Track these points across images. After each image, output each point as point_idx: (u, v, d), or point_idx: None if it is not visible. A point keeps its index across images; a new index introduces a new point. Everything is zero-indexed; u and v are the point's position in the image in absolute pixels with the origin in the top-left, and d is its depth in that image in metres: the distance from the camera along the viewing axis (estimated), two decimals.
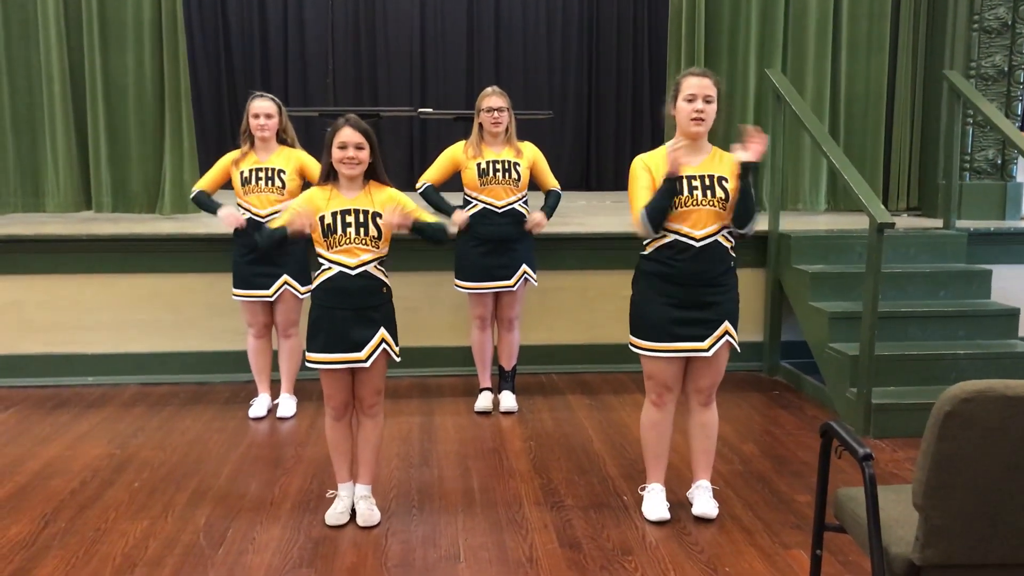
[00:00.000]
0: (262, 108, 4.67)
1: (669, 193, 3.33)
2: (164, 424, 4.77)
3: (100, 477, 4.01)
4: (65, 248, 5.49)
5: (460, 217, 4.69)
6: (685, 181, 3.37)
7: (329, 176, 3.42)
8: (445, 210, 4.70)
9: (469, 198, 4.77)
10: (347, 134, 3.34)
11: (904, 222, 6.23)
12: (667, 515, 3.55)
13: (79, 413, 4.96)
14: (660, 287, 3.45)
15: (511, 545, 3.34)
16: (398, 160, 9.32)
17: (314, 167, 4.67)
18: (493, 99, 4.71)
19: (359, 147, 3.34)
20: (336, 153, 3.34)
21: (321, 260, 3.41)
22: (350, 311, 3.38)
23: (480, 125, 4.74)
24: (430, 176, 4.82)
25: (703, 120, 3.36)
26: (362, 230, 3.35)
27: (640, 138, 9.48)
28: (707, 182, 3.37)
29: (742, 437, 4.56)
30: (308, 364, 3.48)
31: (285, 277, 4.71)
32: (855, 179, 4.78)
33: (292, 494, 3.81)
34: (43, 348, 5.50)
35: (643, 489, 3.69)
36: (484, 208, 4.73)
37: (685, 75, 3.42)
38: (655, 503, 3.58)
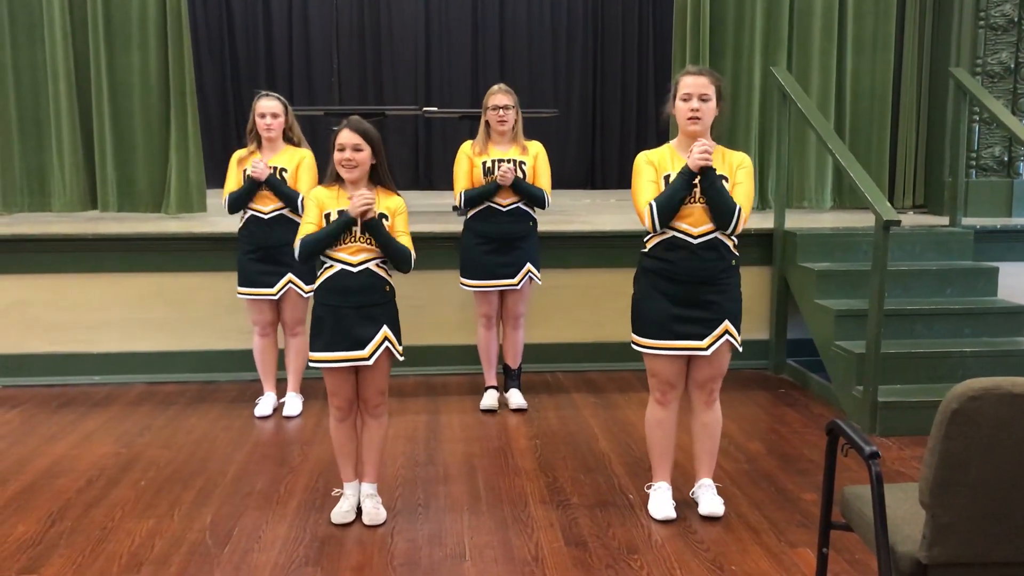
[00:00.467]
0: (268, 107, 4.67)
1: (685, 187, 3.32)
2: (170, 423, 4.78)
3: (106, 476, 4.02)
4: (71, 247, 5.50)
5: (507, 174, 4.60)
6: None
7: (332, 177, 3.42)
8: (492, 190, 4.66)
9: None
10: (345, 136, 3.34)
11: (910, 220, 6.22)
12: (673, 514, 3.54)
13: (85, 412, 4.97)
14: (659, 285, 3.45)
15: (517, 544, 3.34)
16: (403, 159, 9.34)
17: (308, 168, 4.67)
18: (499, 97, 4.70)
19: (356, 148, 3.33)
20: (336, 155, 3.36)
21: (324, 258, 3.40)
22: (352, 309, 3.37)
23: (487, 123, 4.73)
24: (461, 185, 4.75)
25: (699, 119, 3.35)
26: (359, 215, 3.32)
27: (645, 136, 9.48)
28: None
29: (748, 435, 4.55)
30: (311, 364, 3.48)
31: (289, 276, 4.71)
32: (861, 177, 4.77)
33: (298, 492, 3.82)
34: (49, 347, 5.52)
35: (649, 487, 3.69)
36: (488, 206, 4.72)
37: (683, 74, 3.42)
38: (661, 501, 3.58)
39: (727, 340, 3.47)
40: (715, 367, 3.51)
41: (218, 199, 4.87)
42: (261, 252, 4.68)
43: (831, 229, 5.73)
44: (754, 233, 5.71)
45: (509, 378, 5.05)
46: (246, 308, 4.89)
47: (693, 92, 3.34)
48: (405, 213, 3.46)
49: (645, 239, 3.50)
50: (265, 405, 4.90)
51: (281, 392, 4.99)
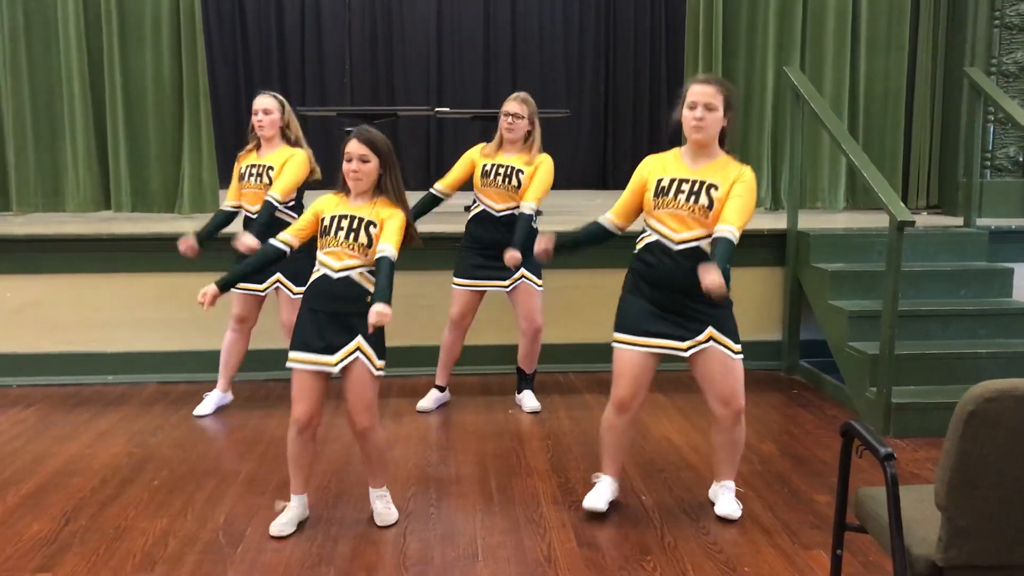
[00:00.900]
0: (260, 104, 4.67)
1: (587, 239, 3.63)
2: (183, 422, 4.79)
3: (120, 475, 4.04)
4: (85, 248, 5.53)
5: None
6: (673, 182, 3.36)
7: (344, 186, 3.38)
8: (420, 211, 4.70)
9: (476, 197, 4.78)
10: (352, 146, 3.30)
11: (924, 220, 6.18)
12: (602, 507, 3.53)
13: (99, 411, 4.99)
14: (642, 287, 3.44)
15: (529, 544, 3.34)
16: (414, 159, 9.34)
17: (294, 164, 4.61)
18: (511, 104, 4.70)
19: (363, 160, 3.29)
20: (344, 165, 3.32)
21: (316, 262, 3.38)
22: (327, 314, 3.32)
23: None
24: (443, 179, 4.81)
25: (702, 128, 3.31)
26: (352, 235, 3.28)
27: (657, 137, 9.45)
28: (695, 187, 3.33)
29: (761, 437, 4.53)
30: (286, 364, 3.39)
31: (278, 276, 4.70)
32: (875, 177, 4.74)
33: (310, 492, 3.79)
34: (63, 347, 5.54)
35: (596, 477, 3.69)
36: (484, 210, 4.73)
37: (692, 81, 3.41)
38: (596, 493, 3.58)
39: (714, 347, 3.40)
40: (729, 376, 3.42)
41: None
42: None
43: (844, 230, 5.71)
44: (767, 233, 5.69)
45: (522, 380, 5.04)
46: (232, 302, 4.82)
47: (699, 101, 3.30)
48: (398, 217, 3.32)
49: (637, 239, 3.50)
50: (207, 403, 4.90)
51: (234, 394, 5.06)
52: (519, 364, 5.03)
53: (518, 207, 4.66)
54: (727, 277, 3.27)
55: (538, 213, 4.80)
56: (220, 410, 4.96)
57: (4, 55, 6.33)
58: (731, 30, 6.65)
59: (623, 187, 3.61)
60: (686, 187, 3.34)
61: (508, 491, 3.85)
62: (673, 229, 3.35)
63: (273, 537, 3.38)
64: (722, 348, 3.42)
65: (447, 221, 5.65)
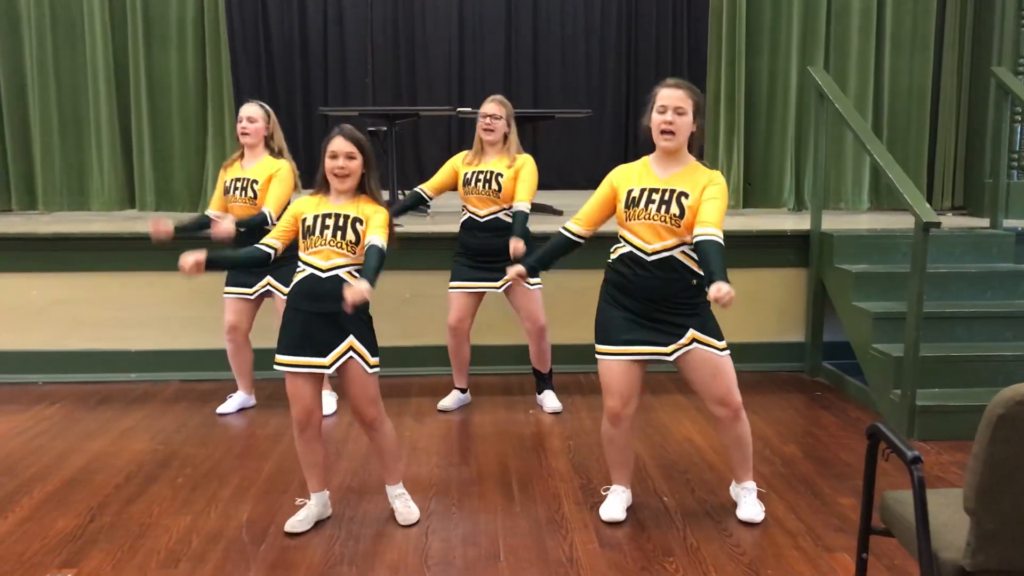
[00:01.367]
0: (246, 112, 4.64)
1: (552, 254, 3.60)
2: (206, 420, 4.83)
3: (144, 472, 4.07)
4: (110, 246, 5.57)
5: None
6: (644, 192, 3.30)
7: (322, 186, 3.37)
8: (403, 210, 4.76)
9: (463, 206, 4.78)
10: (338, 144, 3.29)
11: (949, 221, 6.13)
12: (620, 516, 3.52)
13: (123, 409, 5.03)
14: (618, 298, 3.39)
15: (551, 545, 3.33)
16: (436, 159, 9.31)
17: (280, 179, 4.56)
18: (488, 106, 4.69)
19: (350, 157, 3.28)
20: (328, 163, 3.29)
21: (299, 263, 3.35)
22: (317, 315, 3.29)
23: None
24: (427, 182, 4.82)
25: (672, 133, 3.24)
26: (339, 233, 3.27)
27: None
28: (665, 196, 3.26)
29: (784, 439, 4.51)
30: (275, 366, 3.39)
31: (268, 279, 4.69)
32: (899, 177, 4.70)
33: (332, 491, 3.82)
34: (88, 344, 5.59)
35: (606, 490, 3.67)
36: (469, 217, 4.73)
37: (660, 86, 3.33)
38: (611, 503, 3.56)
39: (700, 348, 3.36)
40: (721, 376, 3.38)
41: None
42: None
43: (868, 230, 5.66)
44: (790, 234, 5.66)
45: (540, 381, 5.04)
46: (224, 308, 4.85)
47: (668, 105, 3.24)
48: (383, 214, 3.32)
49: (611, 249, 3.44)
50: (231, 403, 4.96)
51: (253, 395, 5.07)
52: (533, 365, 5.03)
53: (501, 210, 4.65)
54: (700, 277, 3.30)
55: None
56: (242, 409, 4.99)
57: (31, 55, 6.40)
58: (754, 29, 6.62)
59: None
60: (656, 197, 3.27)
61: (529, 491, 3.85)
62: (645, 240, 3.29)
63: (289, 534, 3.40)
64: (707, 348, 3.37)
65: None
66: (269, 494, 3.81)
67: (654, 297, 3.32)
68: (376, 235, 3.26)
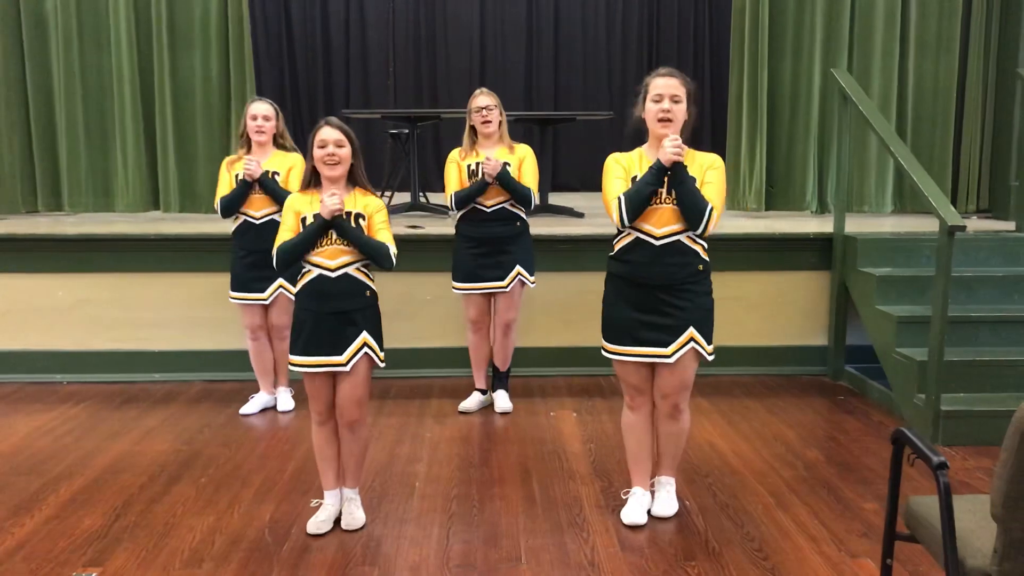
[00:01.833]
0: (260, 110, 4.73)
1: (654, 181, 3.25)
2: (229, 420, 4.86)
3: (168, 472, 4.10)
4: (134, 247, 5.62)
5: (493, 166, 4.58)
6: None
7: (311, 181, 3.38)
8: (480, 188, 4.65)
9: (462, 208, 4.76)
10: (327, 132, 3.31)
11: (974, 224, 6.07)
12: (642, 520, 3.51)
13: (147, 409, 5.07)
14: (623, 290, 3.40)
15: (572, 548, 3.33)
16: None
17: (300, 173, 4.55)
18: (481, 98, 4.70)
19: (339, 145, 3.30)
20: (317, 152, 3.31)
21: (303, 263, 3.35)
22: (330, 314, 3.31)
23: (472, 128, 4.73)
24: (452, 187, 4.75)
25: (670, 120, 3.28)
26: (332, 215, 3.28)
27: (700, 137, 9.40)
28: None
29: (806, 443, 4.48)
30: (291, 367, 3.43)
31: (280, 281, 4.75)
32: (924, 180, 4.67)
33: None
34: (112, 345, 5.64)
35: (625, 493, 3.67)
36: (474, 208, 4.72)
37: (652, 75, 3.36)
38: (632, 507, 3.55)
39: (692, 348, 3.37)
40: (679, 377, 3.41)
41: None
42: (253, 257, 4.69)
43: (892, 234, 5.62)
44: (813, 237, 5.63)
45: (497, 379, 5.05)
46: (239, 312, 4.94)
47: (664, 93, 3.28)
48: (384, 210, 3.40)
49: (613, 241, 3.44)
50: (253, 403, 4.99)
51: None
52: (495, 363, 5.02)
53: (507, 200, 4.68)
54: (706, 263, 3.36)
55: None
56: (265, 409, 5.02)
57: (58, 58, 6.47)
58: (777, 31, 6.60)
59: None
60: (664, 181, 3.29)
61: (550, 494, 3.84)
62: (654, 225, 3.31)
63: (312, 535, 3.42)
64: (699, 349, 3.39)
65: None
66: (291, 494, 3.83)
67: (663, 282, 3.33)
68: (387, 238, 3.35)
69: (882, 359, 5.03)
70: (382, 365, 3.42)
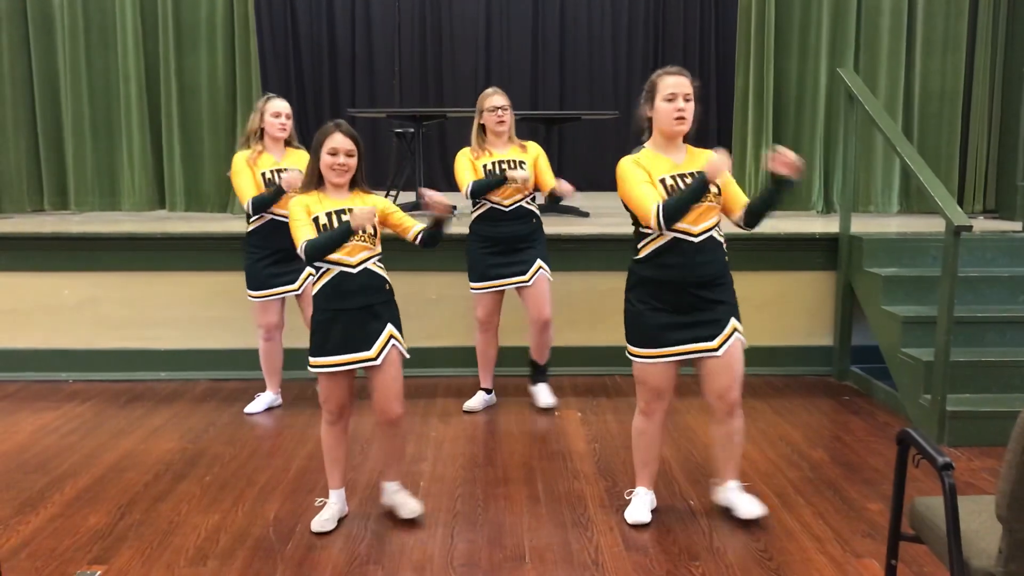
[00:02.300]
0: (283, 108, 4.75)
1: (700, 194, 3.22)
2: (234, 419, 4.86)
3: (173, 470, 4.10)
4: (140, 246, 5.63)
5: (519, 175, 4.59)
6: (676, 179, 3.32)
7: (312, 181, 3.37)
8: (498, 182, 4.63)
9: (483, 199, 4.74)
10: (339, 140, 3.30)
11: (980, 224, 6.06)
12: (646, 519, 3.51)
13: (152, 407, 5.08)
14: (658, 293, 3.35)
15: (576, 547, 3.33)
16: None
17: None
18: (497, 98, 4.70)
19: (349, 154, 3.31)
20: (326, 159, 3.30)
21: (319, 264, 3.34)
22: (356, 310, 3.32)
23: (482, 127, 4.72)
24: (468, 177, 4.69)
25: (685, 119, 3.29)
26: (361, 228, 3.29)
27: (705, 137, 9.38)
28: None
29: (811, 443, 4.48)
30: (311, 368, 3.40)
31: (309, 269, 4.72)
32: (930, 180, 4.66)
33: (359, 490, 3.85)
34: (118, 343, 5.65)
35: (629, 493, 3.66)
36: (491, 208, 4.71)
37: (661, 75, 3.34)
38: (636, 507, 3.55)
39: (738, 339, 3.39)
40: (732, 371, 3.39)
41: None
42: (280, 254, 4.68)
43: (898, 234, 5.61)
44: (819, 237, 5.62)
45: (537, 373, 5.04)
46: (257, 311, 4.89)
47: (678, 92, 3.28)
48: (394, 206, 3.50)
49: (639, 246, 3.39)
50: (258, 402, 5.00)
51: (283, 396, 5.12)
52: (532, 356, 5.02)
53: (524, 198, 4.71)
54: (730, 272, 3.42)
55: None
56: (270, 408, 5.02)
57: (64, 57, 6.49)
58: (783, 30, 6.59)
59: None
60: (690, 180, 3.30)
61: (555, 493, 3.84)
62: (692, 223, 3.29)
63: (316, 533, 3.42)
64: (741, 338, 3.42)
65: None
66: (296, 493, 3.83)
67: (701, 281, 3.32)
68: (412, 221, 3.47)
69: (888, 359, 5.02)
70: (407, 356, 3.45)
